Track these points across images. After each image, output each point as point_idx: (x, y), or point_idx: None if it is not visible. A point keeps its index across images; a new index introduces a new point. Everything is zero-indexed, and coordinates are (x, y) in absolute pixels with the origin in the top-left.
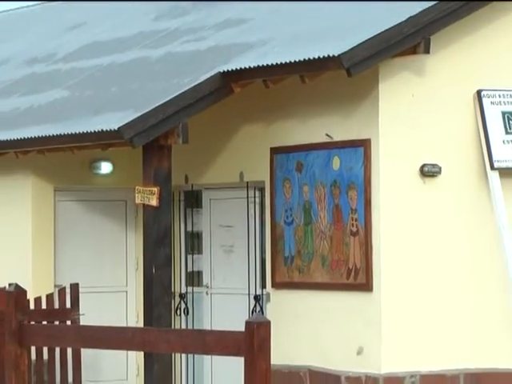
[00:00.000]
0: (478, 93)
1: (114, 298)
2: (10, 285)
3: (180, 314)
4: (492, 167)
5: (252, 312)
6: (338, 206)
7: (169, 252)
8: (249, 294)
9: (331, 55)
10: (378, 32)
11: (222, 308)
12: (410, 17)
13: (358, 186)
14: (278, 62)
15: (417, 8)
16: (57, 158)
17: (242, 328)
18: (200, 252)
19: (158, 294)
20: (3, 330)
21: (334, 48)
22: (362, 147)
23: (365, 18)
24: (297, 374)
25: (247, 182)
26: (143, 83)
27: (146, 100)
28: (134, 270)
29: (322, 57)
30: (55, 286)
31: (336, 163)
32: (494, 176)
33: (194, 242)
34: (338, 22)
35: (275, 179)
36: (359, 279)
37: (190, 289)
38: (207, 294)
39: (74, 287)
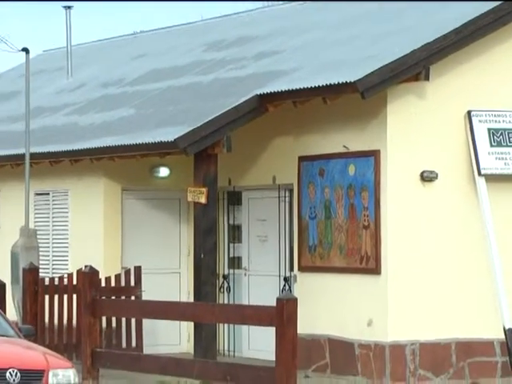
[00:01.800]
0: (469, 113)
1: (170, 278)
2: (85, 267)
3: (223, 292)
4: (479, 173)
5: (282, 290)
6: (352, 204)
7: (214, 241)
8: (279, 276)
9: (348, 81)
10: (387, 63)
11: (257, 287)
12: (413, 50)
13: (369, 188)
14: (305, 87)
15: (419, 43)
16: (124, 164)
17: (274, 303)
18: (240, 241)
19: (206, 275)
20: (80, 304)
21: (351, 75)
22: (372, 156)
23: (375, 50)
24: (318, 342)
25: (279, 185)
26: (195, 103)
27: (197, 117)
28: (186, 255)
29: (340, 82)
30: (122, 267)
31: (351, 170)
32: (481, 181)
33: (235, 232)
34: (353, 54)
35: (302, 182)
36: (370, 264)
37: (231, 271)
38: (245, 275)
39: (138, 269)
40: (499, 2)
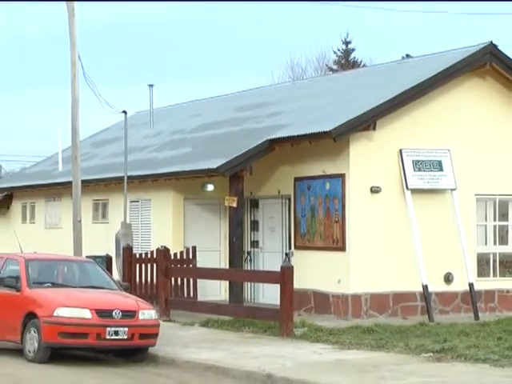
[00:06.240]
0: (400, 150)
1: (213, 254)
2: (161, 246)
3: (247, 262)
4: (407, 188)
5: (284, 261)
6: (328, 207)
7: (242, 230)
8: (282, 252)
9: (325, 130)
10: (349, 119)
11: (268, 259)
12: (365, 112)
13: (338, 197)
14: (298, 134)
15: (368, 107)
16: (185, 182)
17: (279, 269)
18: (257, 230)
19: (236, 252)
20: (158, 270)
21: (327, 127)
22: (340, 178)
23: (341, 112)
24: (306, 293)
25: (282, 195)
26: (229, 145)
27: (231, 153)
28: (224, 239)
29: (320, 131)
30: (184, 247)
31: (328, 186)
32: (408, 193)
33: (255, 225)
34: (327, 115)
35: (296, 193)
36: (339, 245)
37: (252, 249)
38: (261, 251)
39: (194, 248)
40: (422, 80)
